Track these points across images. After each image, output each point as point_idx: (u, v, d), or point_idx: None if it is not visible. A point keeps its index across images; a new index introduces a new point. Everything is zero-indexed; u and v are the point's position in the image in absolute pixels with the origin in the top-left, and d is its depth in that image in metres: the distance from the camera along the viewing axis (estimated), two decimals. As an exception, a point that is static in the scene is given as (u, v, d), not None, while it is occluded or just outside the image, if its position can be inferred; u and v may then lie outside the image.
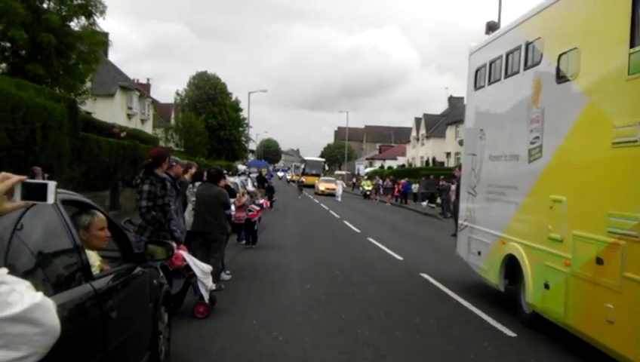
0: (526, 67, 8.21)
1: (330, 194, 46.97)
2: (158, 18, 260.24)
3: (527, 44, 8.18)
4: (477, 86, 10.49)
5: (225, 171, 14.62)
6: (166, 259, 6.14)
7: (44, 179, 2.86)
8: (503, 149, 8.91)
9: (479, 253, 9.71)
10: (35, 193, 2.03)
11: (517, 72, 8.54)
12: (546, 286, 7.11)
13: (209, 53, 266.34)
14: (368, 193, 49.30)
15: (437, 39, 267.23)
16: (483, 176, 9.76)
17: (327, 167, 78.69)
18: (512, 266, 8.36)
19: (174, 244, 7.10)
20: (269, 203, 16.84)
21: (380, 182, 47.37)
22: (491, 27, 11.10)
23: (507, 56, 8.96)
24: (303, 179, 56.21)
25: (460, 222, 11.19)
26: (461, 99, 70.22)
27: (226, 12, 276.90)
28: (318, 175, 63.34)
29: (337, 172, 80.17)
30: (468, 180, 10.56)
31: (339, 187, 45.91)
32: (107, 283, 4.00)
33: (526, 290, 7.77)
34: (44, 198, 2.06)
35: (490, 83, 9.79)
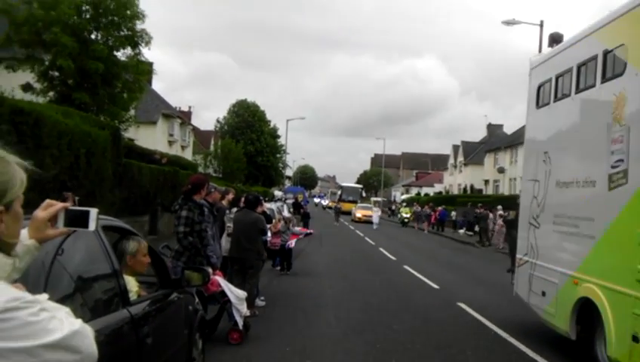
0: (604, 79, 7.21)
1: (368, 221, 45.96)
2: (203, 48, 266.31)
3: (606, 53, 7.19)
4: (540, 104, 9.48)
5: (262, 197, 14.79)
6: (202, 285, 6.21)
7: (74, 203, 2.94)
8: (574, 174, 7.83)
9: (543, 294, 8.49)
10: (77, 220, 2.11)
11: (592, 86, 7.56)
12: (635, 340, 5.96)
13: (251, 82, 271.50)
14: (406, 220, 48.19)
15: (477, 68, 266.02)
16: (548, 204, 8.63)
17: (364, 194, 77.17)
18: (586, 311, 7.12)
19: (210, 270, 7.22)
20: (308, 230, 16.89)
21: (418, 209, 46.33)
22: (555, 39, 10.02)
23: (579, 68, 7.99)
24: (340, 205, 54.90)
25: (518, 256, 9.90)
26: (500, 126, 69.92)
27: (268, 42, 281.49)
28: (355, 201, 62.33)
29: (373, 198, 78.27)
30: (529, 209, 9.33)
31: (375, 214, 45.44)
32: (143, 309, 4.08)
33: (606, 342, 6.56)
34: (85, 225, 2.13)
35: (556, 99, 8.75)
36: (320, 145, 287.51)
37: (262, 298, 10.21)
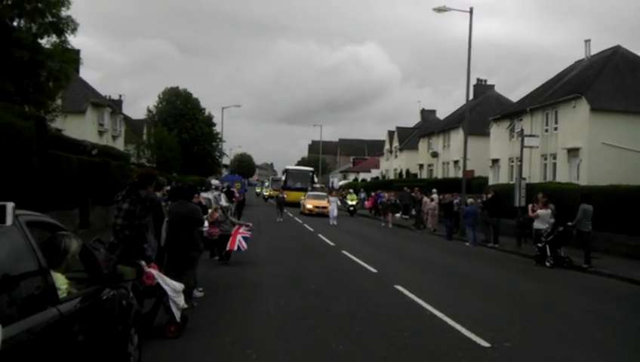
0: None
1: (321, 214, 37.48)
2: (144, 35, 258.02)
3: None
4: None
5: (198, 187, 14.55)
6: (135, 280, 6.08)
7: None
8: None
9: None
10: None
11: None
12: None
13: (193, 69, 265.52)
14: (352, 208, 42.83)
15: (417, 54, 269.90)
16: None
17: (316, 179, 60.97)
18: None
19: (144, 264, 7.07)
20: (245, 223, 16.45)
21: (384, 197, 35.79)
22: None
23: None
24: (285, 195, 42.36)
25: None
26: (433, 112, 71.45)
27: (209, 28, 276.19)
28: (304, 189, 49.45)
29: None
30: None
31: (332, 205, 34.31)
32: (74, 307, 3.95)
33: None
34: (2, 220, 2.04)
35: None
36: (261, 132, 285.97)
37: (200, 289, 10.08)
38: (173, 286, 7.31)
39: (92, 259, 4.72)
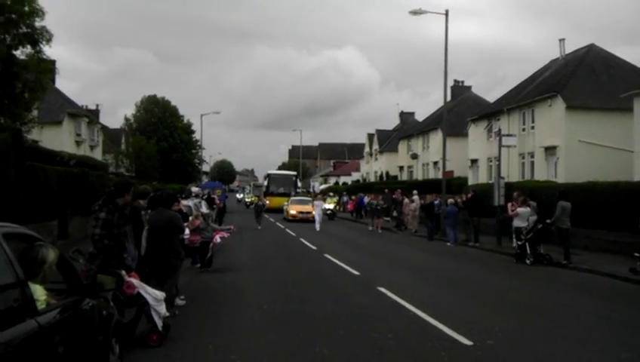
0: None
1: (305, 220, 36.02)
2: (122, 44, 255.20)
3: None
4: None
5: (178, 195, 14.44)
6: (116, 289, 6.04)
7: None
8: None
9: None
10: None
11: None
12: None
13: (172, 77, 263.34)
14: (330, 212, 41.88)
15: (395, 58, 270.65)
16: None
17: (299, 183, 58.73)
18: None
19: (124, 273, 7.02)
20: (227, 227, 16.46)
21: (372, 201, 33.95)
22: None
23: None
24: (267, 200, 43.62)
25: None
26: (412, 114, 71.85)
27: (188, 36, 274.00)
28: (287, 194, 46.90)
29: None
30: None
31: (318, 209, 32.74)
32: (53, 318, 3.91)
33: None
34: None
35: None
36: (241, 138, 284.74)
37: (182, 297, 10.02)
38: (154, 295, 7.26)
39: (71, 269, 4.69)
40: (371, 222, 32.54)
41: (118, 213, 7.22)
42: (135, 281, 7.20)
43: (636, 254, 14.73)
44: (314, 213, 33.34)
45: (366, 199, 35.77)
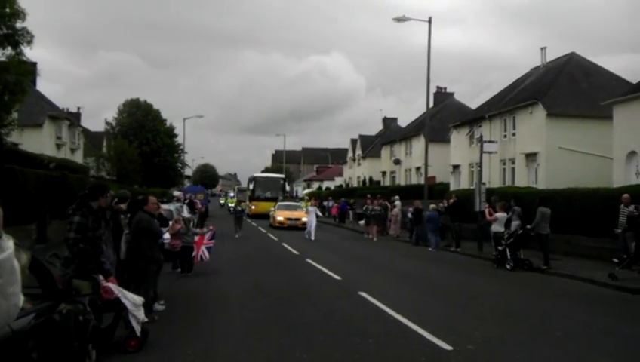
0: None
1: (294, 227, 33.32)
2: (109, 48, 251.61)
3: None
4: None
5: (159, 199, 14.33)
6: (92, 294, 5.97)
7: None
8: None
9: None
10: None
11: None
12: None
13: (159, 81, 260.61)
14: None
15: (381, 64, 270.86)
16: None
17: (288, 187, 55.10)
18: None
19: (102, 277, 6.94)
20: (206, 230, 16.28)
21: (369, 207, 30.15)
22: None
23: None
24: (253, 205, 41.34)
25: None
26: (395, 119, 72.17)
27: (176, 41, 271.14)
28: (274, 199, 43.34)
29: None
30: None
31: (311, 215, 28.46)
32: (28, 323, 3.85)
33: None
34: None
35: None
36: (225, 143, 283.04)
37: (161, 302, 9.93)
38: (133, 300, 7.19)
39: (46, 273, 4.62)
40: (366, 229, 30.26)
41: (93, 216, 7.14)
42: (113, 286, 7.13)
43: (615, 260, 14.93)
44: (305, 219, 30.53)
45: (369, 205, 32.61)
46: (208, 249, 14.80)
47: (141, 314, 7.25)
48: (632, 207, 15.20)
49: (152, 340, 7.63)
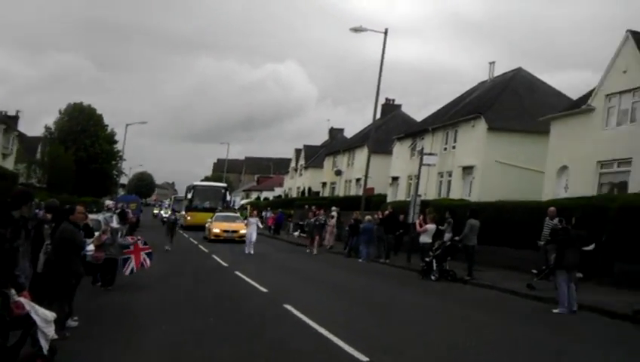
0: None
1: (231, 240, 31.56)
2: (58, 49, 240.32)
3: None
4: None
5: (87, 209, 13.97)
6: (1, 310, 5.81)
7: None
8: None
9: None
10: None
11: None
12: None
13: (108, 85, 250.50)
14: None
15: (334, 74, 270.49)
16: None
17: (229, 197, 53.31)
18: None
19: (14, 292, 6.75)
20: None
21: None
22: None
23: None
24: (189, 216, 39.37)
25: None
26: (341, 130, 72.57)
27: (127, 43, 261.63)
28: (213, 209, 40.02)
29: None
30: None
31: (252, 227, 26.37)
32: None
33: None
34: None
35: None
36: (168, 151, 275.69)
37: (75, 318, 9.46)
38: (44, 316, 6.98)
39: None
40: (309, 243, 28.58)
41: (12, 226, 6.92)
42: (25, 301, 6.93)
43: (533, 271, 15.55)
44: (244, 231, 28.70)
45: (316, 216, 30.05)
46: (149, 255, 14.59)
47: (51, 330, 7.03)
48: (556, 220, 15.68)
49: (64, 358, 7.42)
